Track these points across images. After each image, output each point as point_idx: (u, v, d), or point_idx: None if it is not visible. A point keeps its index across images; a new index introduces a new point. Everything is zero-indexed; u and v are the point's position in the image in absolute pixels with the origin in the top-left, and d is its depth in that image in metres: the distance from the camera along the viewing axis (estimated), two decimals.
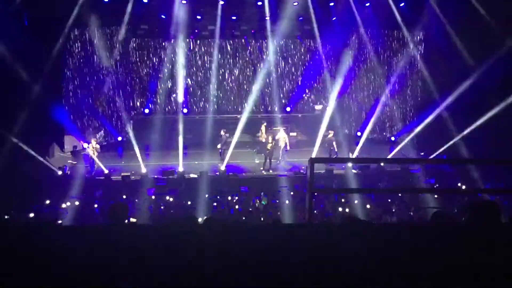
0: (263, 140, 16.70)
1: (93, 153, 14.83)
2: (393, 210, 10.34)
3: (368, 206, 10.92)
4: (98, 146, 15.23)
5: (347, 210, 10.19)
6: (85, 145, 15.23)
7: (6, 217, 9.17)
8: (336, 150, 16.06)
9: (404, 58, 18.67)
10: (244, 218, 9.75)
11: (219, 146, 15.80)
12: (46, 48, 14.26)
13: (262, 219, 10.07)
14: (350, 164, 14.98)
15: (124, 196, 11.25)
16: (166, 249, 2.32)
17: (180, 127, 17.11)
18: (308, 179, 3.68)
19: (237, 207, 11.41)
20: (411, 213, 9.94)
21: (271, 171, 15.33)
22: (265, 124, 17.43)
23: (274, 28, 19.82)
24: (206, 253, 2.28)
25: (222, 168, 15.10)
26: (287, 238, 2.56)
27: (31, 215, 9.92)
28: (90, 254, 2.26)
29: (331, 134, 16.34)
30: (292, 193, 12.41)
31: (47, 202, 10.79)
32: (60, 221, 9.16)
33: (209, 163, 15.76)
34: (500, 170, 11.97)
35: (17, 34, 12.65)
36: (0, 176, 11.60)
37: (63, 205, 10.51)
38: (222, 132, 15.97)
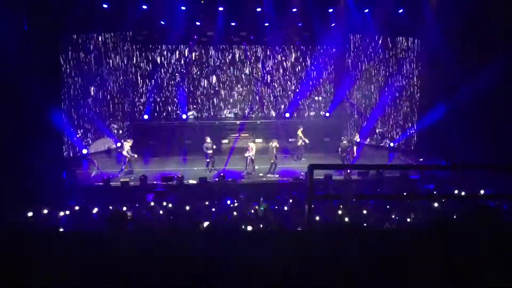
0: (298, 144, 17.11)
1: (128, 153, 15.32)
2: (393, 216, 10.29)
3: (365, 212, 10.89)
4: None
5: (346, 219, 10.14)
6: (126, 143, 15.61)
7: (5, 222, 9.14)
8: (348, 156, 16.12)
9: (403, 64, 18.74)
10: (242, 224, 9.70)
11: (210, 152, 15.69)
12: (46, 53, 14.28)
13: (261, 225, 10.02)
14: (349, 170, 15.00)
15: (125, 208, 11.22)
16: (166, 256, 2.30)
17: (180, 132, 17.16)
18: (307, 185, 3.67)
19: (235, 213, 11.37)
20: (411, 219, 9.90)
21: (275, 174, 15.33)
22: (301, 129, 17.42)
23: (273, 34, 19.94)
24: (205, 259, 2.27)
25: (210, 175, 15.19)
26: (287, 245, 2.55)
27: (29, 220, 9.88)
28: (89, 260, 2.25)
29: (345, 140, 16.51)
30: (291, 199, 12.38)
31: (45, 211, 10.68)
32: (58, 227, 9.13)
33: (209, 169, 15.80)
34: (500, 175, 11.97)
35: (17, 39, 12.67)
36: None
37: (61, 213, 10.45)
38: (208, 140, 15.85)
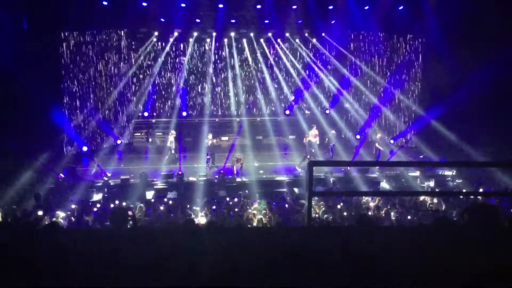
0: (313, 141, 17.07)
1: (172, 144, 16.21)
2: (392, 213, 10.31)
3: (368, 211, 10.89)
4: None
5: (345, 213, 10.16)
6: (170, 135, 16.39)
7: (7, 220, 9.16)
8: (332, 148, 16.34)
9: (403, 61, 18.72)
10: (243, 221, 9.73)
11: (209, 143, 15.76)
12: (45, 52, 14.26)
13: (261, 222, 10.04)
14: (349, 167, 14.99)
15: (124, 203, 11.22)
16: (166, 253, 2.32)
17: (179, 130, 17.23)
18: (307, 182, 3.68)
19: (236, 210, 11.39)
20: (411, 216, 9.92)
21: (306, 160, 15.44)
22: (315, 127, 17.38)
23: (273, 31, 19.92)
24: (206, 256, 2.28)
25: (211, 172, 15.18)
26: (287, 241, 2.56)
27: (30, 218, 9.89)
28: (90, 257, 2.26)
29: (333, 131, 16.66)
30: (290, 196, 12.41)
31: (45, 209, 10.64)
32: (59, 224, 9.13)
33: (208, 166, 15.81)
34: (500, 173, 12.01)
35: (17, 38, 12.66)
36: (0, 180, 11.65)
37: (62, 213, 10.44)
38: (210, 136, 15.79)
